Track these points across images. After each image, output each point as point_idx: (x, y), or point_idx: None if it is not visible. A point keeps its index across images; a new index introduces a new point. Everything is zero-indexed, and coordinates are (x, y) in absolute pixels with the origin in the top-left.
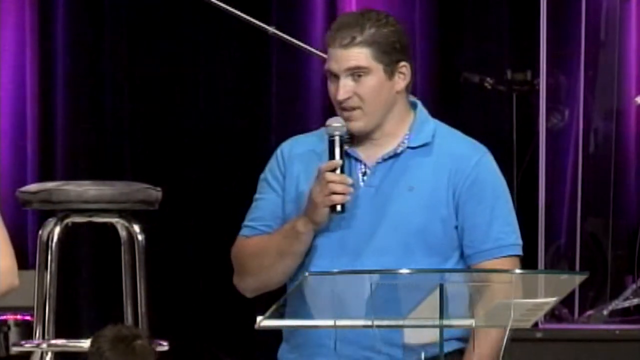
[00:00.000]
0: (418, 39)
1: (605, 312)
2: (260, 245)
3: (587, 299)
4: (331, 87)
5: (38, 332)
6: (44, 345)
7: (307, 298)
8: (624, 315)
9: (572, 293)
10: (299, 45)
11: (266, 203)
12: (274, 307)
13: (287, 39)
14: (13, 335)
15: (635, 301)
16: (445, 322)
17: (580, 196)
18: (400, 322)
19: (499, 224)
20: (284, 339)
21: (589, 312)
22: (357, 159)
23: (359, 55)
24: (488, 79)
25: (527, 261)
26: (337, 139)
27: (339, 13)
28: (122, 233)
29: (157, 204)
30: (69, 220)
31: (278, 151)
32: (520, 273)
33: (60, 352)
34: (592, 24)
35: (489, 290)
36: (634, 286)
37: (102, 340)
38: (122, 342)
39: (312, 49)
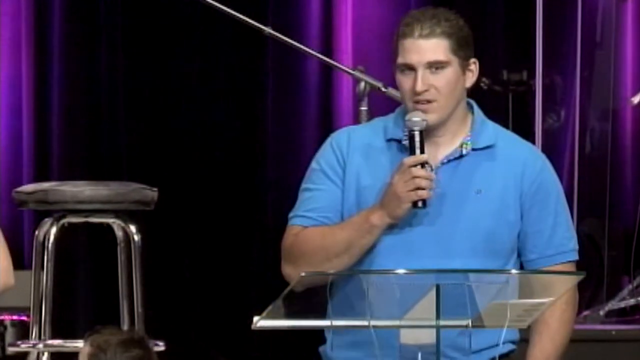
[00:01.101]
0: None
1: (601, 313)
2: (326, 236)
3: (583, 300)
4: (404, 80)
5: (34, 333)
6: (41, 346)
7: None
8: (620, 315)
9: None
10: (294, 46)
11: (324, 194)
12: (270, 307)
13: (283, 39)
14: (9, 336)
15: (631, 302)
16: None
17: (576, 197)
18: (397, 323)
19: (562, 230)
20: (333, 338)
21: (586, 313)
22: None
23: (439, 47)
24: (484, 79)
25: None
26: (416, 133)
27: (334, 13)
28: (119, 233)
29: (153, 204)
30: (65, 221)
31: (332, 142)
32: (517, 273)
33: (56, 352)
34: (588, 25)
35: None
36: (630, 287)
37: (100, 342)
38: (122, 345)
39: (308, 49)
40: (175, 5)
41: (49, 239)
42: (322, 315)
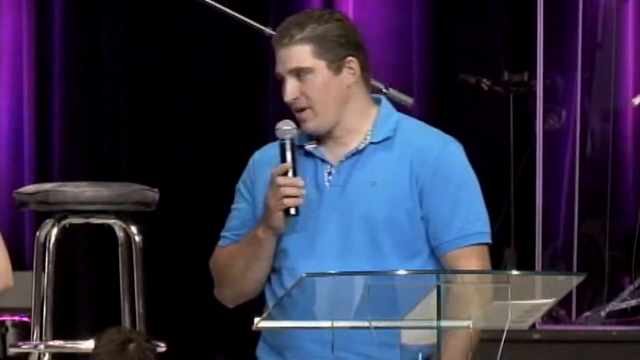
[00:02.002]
0: (415, 40)
1: (602, 314)
2: (230, 254)
3: (584, 300)
4: (282, 90)
5: (35, 333)
6: (42, 347)
7: (299, 299)
8: (621, 316)
9: (570, 294)
10: None
11: (239, 212)
12: (271, 307)
13: None
14: (10, 337)
15: (632, 302)
16: (442, 323)
17: (577, 197)
18: (398, 324)
19: (462, 213)
20: (261, 339)
21: (587, 314)
22: (323, 160)
23: (299, 53)
24: (485, 80)
25: (525, 262)
26: (287, 142)
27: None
28: (120, 234)
29: (154, 205)
30: (66, 222)
31: (250, 160)
32: (517, 274)
33: (57, 353)
34: (589, 25)
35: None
36: (631, 287)
37: (98, 342)
38: (113, 344)
39: None
40: (178, 7)
41: (50, 240)
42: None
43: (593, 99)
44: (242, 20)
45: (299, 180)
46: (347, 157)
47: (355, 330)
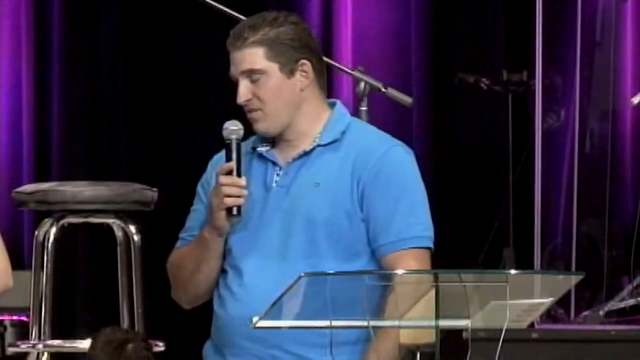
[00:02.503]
0: (413, 40)
1: (601, 313)
2: (182, 256)
3: (583, 300)
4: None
5: (34, 333)
6: (40, 346)
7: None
8: (620, 315)
9: (568, 294)
10: None
11: (195, 214)
12: (269, 307)
13: None
14: (9, 336)
15: (631, 302)
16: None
17: (576, 197)
18: (397, 323)
19: (402, 216)
20: (209, 338)
21: (585, 313)
22: (274, 162)
23: (252, 56)
24: (483, 79)
25: (523, 262)
26: (233, 141)
27: (334, 13)
28: (118, 233)
29: (152, 204)
30: (65, 221)
31: (209, 162)
32: (516, 273)
33: (56, 352)
34: (588, 25)
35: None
36: (630, 287)
37: (95, 342)
38: (111, 345)
39: None
40: (176, 7)
41: (48, 239)
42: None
43: (592, 99)
44: (241, 20)
45: (241, 180)
46: (295, 159)
47: (296, 330)
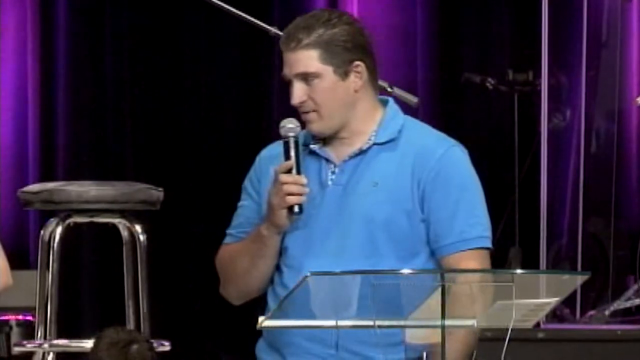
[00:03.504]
0: (419, 39)
1: (607, 313)
2: (235, 252)
3: (588, 300)
4: (290, 91)
5: (40, 333)
6: (46, 346)
7: (301, 298)
8: (626, 315)
9: (574, 293)
10: None
11: (245, 210)
12: (275, 307)
13: None
14: (15, 336)
15: (637, 301)
16: (447, 322)
17: (582, 196)
18: (402, 322)
19: (464, 217)
20: (261, 337)
21: (591, 313)
22: (327, 160)
23: (306, 58)
24: (490, 79)
25: (529, 261)
26: (291, 140)
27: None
28: (124, 233)
29: (158, 204)
30: (70, 221)
31: (257, 158)
32: (522, 273)
33: (62, 352)
34: (594, 24)
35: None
36: (635, 286)
37: (99, 343)
38: (116, 346)
39: None
40: (182, 6)
41: (54, 239)
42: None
43: (598, 99)
44: (247, 19)
45: (302, 178)
46: (351, 157)
47: (357, 330)
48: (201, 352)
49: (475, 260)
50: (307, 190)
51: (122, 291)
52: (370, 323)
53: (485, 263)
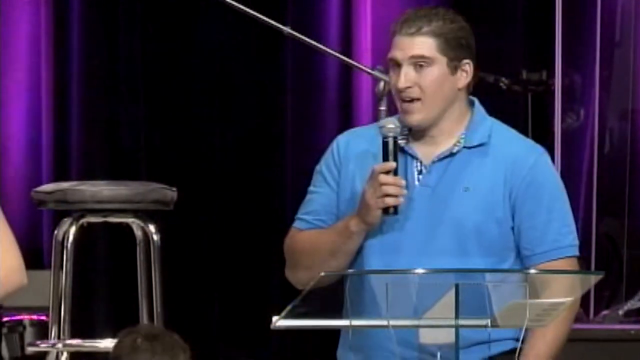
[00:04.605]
0: None
1: (620, 312)
2: (314, 240)
3: (602, 299)
4: (393, 76)
5: (53, 332)
6: (60, 345)
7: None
8: (639, 315)
9: (588, 293)
10: (314, 46)
11: (321, 197)
12: (289, 307)
13: (302, 39)
14: (28, 336)
15: None
16: (460, 322)
17: (595, 196)
18: (416, 322)
19: (557, 225)
20: (341, 341)
21: (604, 312)
22: (413, 157)
23: (424, 44)
24: (503, 79)
25: None
26: (390, 140)
27: (354, 13)
28: (138, 233)
29: (172, 204)
30: (84, 220)
31: (334, 144)
32: (536, 273)
33: (75, 352)
34: (608, 24)
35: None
36: None
37: (127, 335)
38: (155, 337)
39: (327, 49)
40: (196, 5)
41: (68, 239)
42: (339, 315)
43: (611, 98)
44: (262, 19)
45: (402, 180)
46: (440, 159)
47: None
48: (214, 350)
49: (567, 267)
50: (405, 192)
51: (136, 291)
52: (385, 323)
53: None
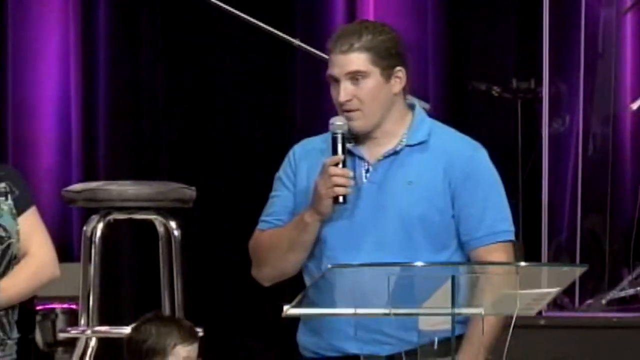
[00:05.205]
0: (430, 50)
1: (603, 302)
2: (274, 237)
3: (586, 290)
4: (333, 91)
5: (83, 320)
6: (88, 332)
7: (326, 288)
8: (621, 304)
9: (573, 284)
10: (322, 57)
11: (280, 199)
12: (299, 296)
13: (310, 51)
14: (60, 323)
15: (630, 291)
16: (456, 310)
17: (580, 195)
18: (415, 310)
19: (492, 213)
20: (302, 323)
21: (589, 302)
22: (360, 158)
23: (357, 59)
24: (495, 87)
25: (532, 255)
26: (339, 136)
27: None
28: (160, 229)
29: (191, 202)
30: (110, 217)
31: (291, 152)
32: (525, 266)
33: (102, 337)
34: (591, 36)
35: (494, 279)
36: (629, 277)
37: (148, 321)
38: (174, 322)
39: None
40: (213, 19)
41: (96, 234)
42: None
43: (594, 105)
44: (273, 32)
45: (350, 172)
46: (384, 157)
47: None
48: (231, 337)
49: (502, 252)
50: (352, 182)
51: (158, 282)
52: (387, 311)
53: (511, 254)
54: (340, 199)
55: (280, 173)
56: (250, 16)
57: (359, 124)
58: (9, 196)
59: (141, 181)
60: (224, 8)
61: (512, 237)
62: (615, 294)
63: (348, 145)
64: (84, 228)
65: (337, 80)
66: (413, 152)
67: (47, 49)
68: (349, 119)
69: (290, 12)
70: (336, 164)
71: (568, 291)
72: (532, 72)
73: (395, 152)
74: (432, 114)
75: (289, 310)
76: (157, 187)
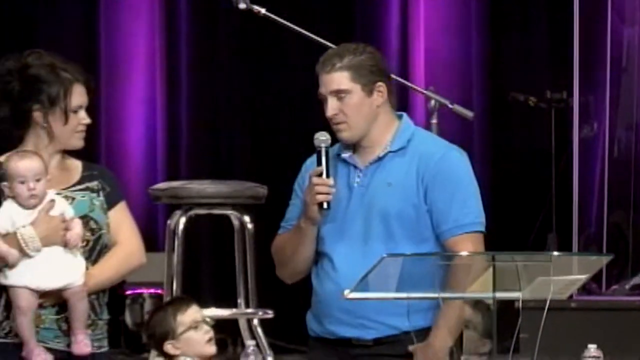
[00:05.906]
0: (473, 64)
1: (627, 287)
2: (283, 241)
3: (612, 276)
4: (324, 106)
5: None
6: None
7: (381, 274)
8: None
9: (600, 271)
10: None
11: (294, 207)
12: (359, 280)
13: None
14: (147, 305)
15: None
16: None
17: (606, 193)
18: (461, 295)
19: (457, 207)
20: (310, 309)
21: (614, 287)
22: (354, 165)
23: (340, 78)
24: (531, 97)
25: (564, 246)
26: (322, 149)
27: (410, 43)
28: (235, 223)
29: (264, 199)
30: (192, 212)
31: (304, 165)
32: (558, 255)
33: None
34: (616, 54)
35: (530, 268)
36: None
37: (170, 305)
38: (163, 305)
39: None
40: (281, 37)
41: (178, 227)
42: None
43: (619, 113)
44: (325, 44)
45: (330, 180)
46: (371, 163)
47: (371, 302)
48: (298, 319)
49: (469, 242)
50: (333, 190)
51: (234, 270)
52: (435, 295)
53: (479, 245)
54: (324, 204)
55: (295, 185)
56: (315, 31)
57: (346, 135)
58: (101, 193)
59: (219, 180)
60: (291, 27)
61: (480, 228)
62: (637, 280)
63: (345, 156)
64: (168, 222)
65: (324, 98)
66: (394, 157)
67: (134, 61)
68: (337, 131)
69: (350, 31)
70: (319, 175)
71: (596, 277)
72: (564, 85)
73: (379, 158)
74: (475, 121)
75: (349, 294)
76: (233, 185)
